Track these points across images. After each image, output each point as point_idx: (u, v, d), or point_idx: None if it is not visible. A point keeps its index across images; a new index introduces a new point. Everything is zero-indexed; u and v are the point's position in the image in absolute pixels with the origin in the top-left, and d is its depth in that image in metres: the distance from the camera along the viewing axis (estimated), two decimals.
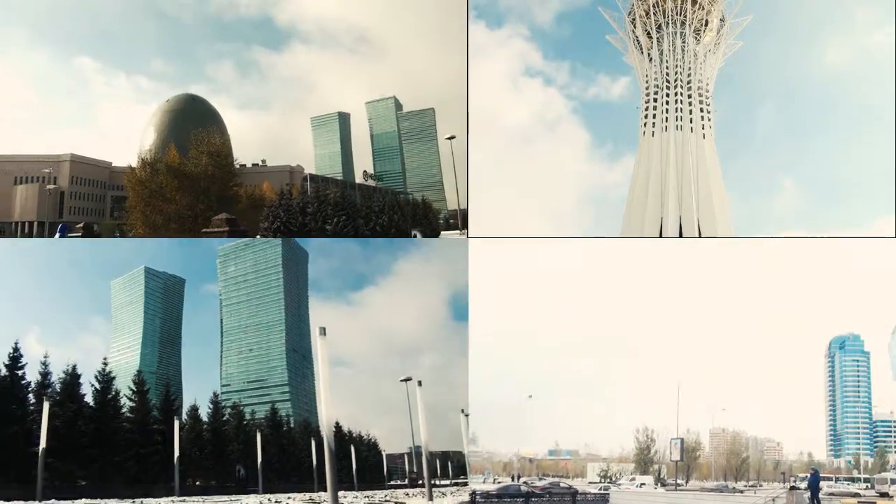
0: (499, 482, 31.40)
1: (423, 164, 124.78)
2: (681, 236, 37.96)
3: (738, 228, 41.32)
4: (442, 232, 60.47)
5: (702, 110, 41.84)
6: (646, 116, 43.06)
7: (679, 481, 42.82)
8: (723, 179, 42.26)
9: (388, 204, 57.24)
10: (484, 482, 31.73)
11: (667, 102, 42.50)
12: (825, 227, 50.04)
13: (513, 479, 33.15)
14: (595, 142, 47.27)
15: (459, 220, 58.98)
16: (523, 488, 27.51)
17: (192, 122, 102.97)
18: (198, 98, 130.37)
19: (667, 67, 41.62)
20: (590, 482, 35.93)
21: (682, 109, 41.91)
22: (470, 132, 31.49)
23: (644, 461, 45.86)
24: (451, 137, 42.64)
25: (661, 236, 38.60)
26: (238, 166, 78.06)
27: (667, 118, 42.28)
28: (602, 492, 29.80)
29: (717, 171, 41.64)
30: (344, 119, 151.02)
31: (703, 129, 41.67)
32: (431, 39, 69.18)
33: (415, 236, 38.93)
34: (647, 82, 42.05)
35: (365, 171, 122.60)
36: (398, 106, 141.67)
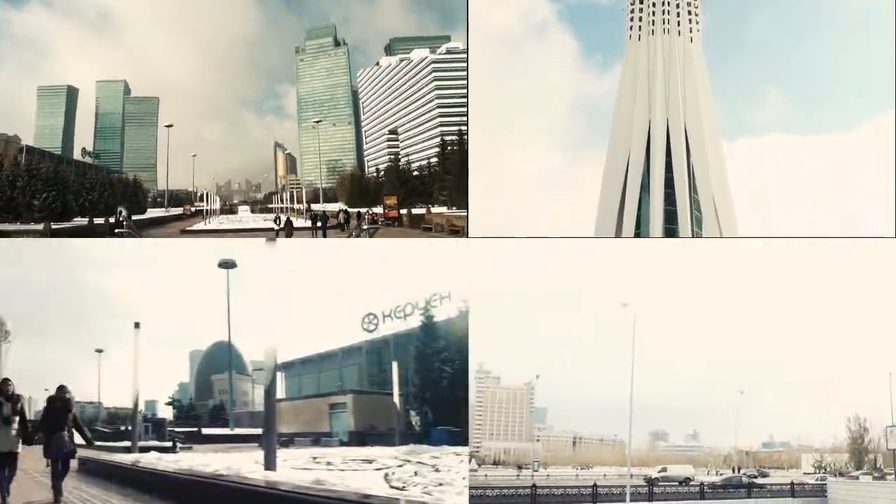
0: (721, 474, 34.25)
1: (142, 147, 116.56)
2: (668, 141, 38.58)
3: (724, 132, 40.77)
4: (149, 209, 61.26)
5: (689, 13, 41.06)
6: (631, 19, 42.05)
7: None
8: (709, 83, 41.44)
9: (101, 181, 56.34)
10: (707, 474, 34.59)
11: (653, 4, 41.91)
12: (813, 130, 47.99)
13: (733, 470, 35.74)
14: (584, 52, 46.28)
15: (166, 199, 61.96)
16: (744, 479, 30.14)
17: None
18: None
19: None
20: (804, 473, 37.60)
21: (668, 12, 41.28)
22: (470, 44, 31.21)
23: (858, 451, 46.06)
24: (169, 126, 47.93)
25: (649, 143, 38.89)
26: None
27: (653, 21, 41.56)
28: (819, 482, 31.52)
29: (704, 74, 40.90)
30: (72, 93, 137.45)
31: (690, 32, 40.97)
32: (171, 28, 68.15)
33: (120, 213, 41.02)
34: None
35: (84, 149, 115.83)
36: (127, 90, 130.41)
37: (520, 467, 35.97)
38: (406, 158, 66.65)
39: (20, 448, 11.99)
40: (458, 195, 54.36)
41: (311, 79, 78.71)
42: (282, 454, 14.18)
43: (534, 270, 34.15)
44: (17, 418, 11.79)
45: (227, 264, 38.50)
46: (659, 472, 29.49)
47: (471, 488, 18.71)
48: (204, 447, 25.99)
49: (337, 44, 78.34)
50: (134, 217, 43.58)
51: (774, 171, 48.61)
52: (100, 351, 48.51)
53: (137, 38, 69.50)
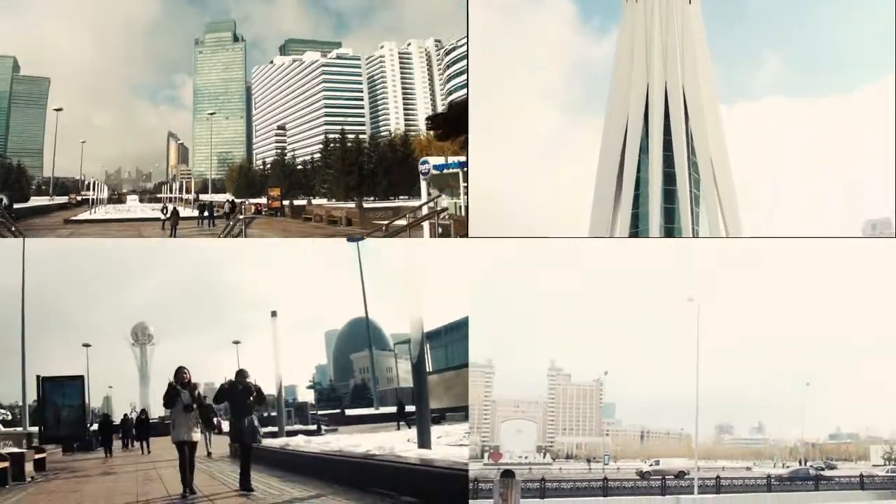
0: (787, 466, 34.79)
1: (28, 130, 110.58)
2: (666, 104, 38.17)
3: (722, 96, 40.04)
4: (33, 197, 58.20)
5: None
6: None
7: None
8: (708, 47, 40.65)
9: None
10: (774, 466, 35.23)
11: None
12: (812, 93, 46.79)
13: (800, 463, 36.16)
14: (582, 16, 45.14)
15: (51, 187, 60.85)
16: (811, 472, 29.98)
17: None
18: None
19: None
20: (874, 465, 37.57)
21: None
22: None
23: None
24: (59, 109, 48.54)
25: (647, 106, 38.43)
26: None
27: None
28: (889, 474, 30.39)
29: (702, 37, 39.89)
30: None
31: None
32: (68, 7, 64.03)
33: (1, 202, 39.19)
34: None
35: None
36: (16, 66, 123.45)
37: (589, 461, 36.30)
38: (292, 153, 68.73)
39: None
40: (338, 188, 54.67)
41: (208, 71, 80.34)
42: (435, 431, 13.75)
43: (596, 271, 35.16)
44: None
45: (355, 238, 39.36)
46: (650, 465, 29.05)
47: (546, 481, 19.20)
48: (348, 428, 25.92)
49: (235, 39, 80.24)
50: (15, 205, 41.50)
51: (774, 134, 48.21)
52: (237, 342, 50.59)
53: (31, 14, 66.49)
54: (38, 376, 25.55)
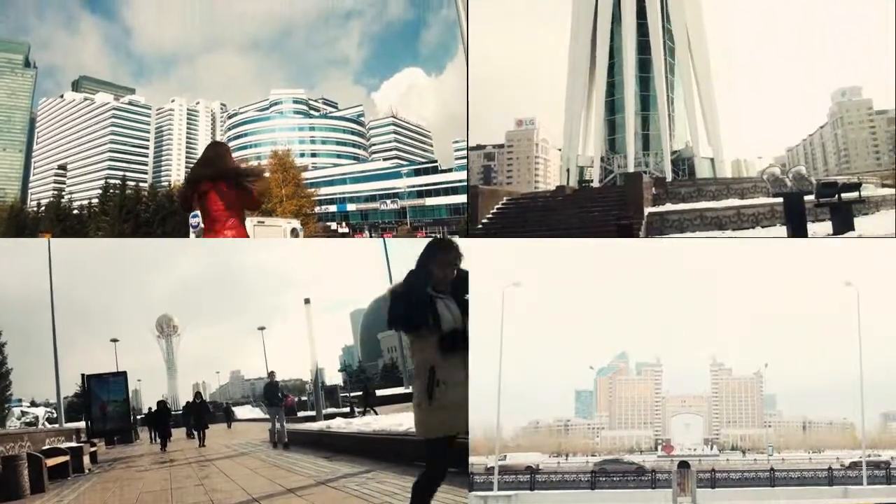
0: None
1: None
2: None
3: None
4: None
5: None
6: None
7: None
8: None
9: None
10: None
11: None
12: None
13: None
14: None
15: None
16: None
17: None
18: None
19: None
20: None
21: None
22: None
23: None
24: None
25: None
26: None
27: None
28: None
29: None
30: None
31: None
32: None
33: None
34: None
35: None
36: None
37: (743, 452, 37.61)
38: (69, 196, 64.77)
39: None
40: (112, 236, 53.35)
41: None
42: None
43: (743, 267, 34.65)
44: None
45: None
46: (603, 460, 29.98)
47: (715, 472, 19.01)
48: (381, 409, 25.03)
49: (27, 64, 72.43)
50: None
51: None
52: (262, 328, 51.38)
53: None
54: (83, 374, 26.57)
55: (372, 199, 64.82)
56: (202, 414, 23.32)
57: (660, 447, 38.63)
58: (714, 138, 39.09)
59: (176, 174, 78.13)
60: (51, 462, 13.35)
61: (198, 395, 25.36)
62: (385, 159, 73.87)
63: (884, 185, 37.53)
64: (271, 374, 18.74)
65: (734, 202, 25.41)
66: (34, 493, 11.85)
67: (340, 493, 9.03)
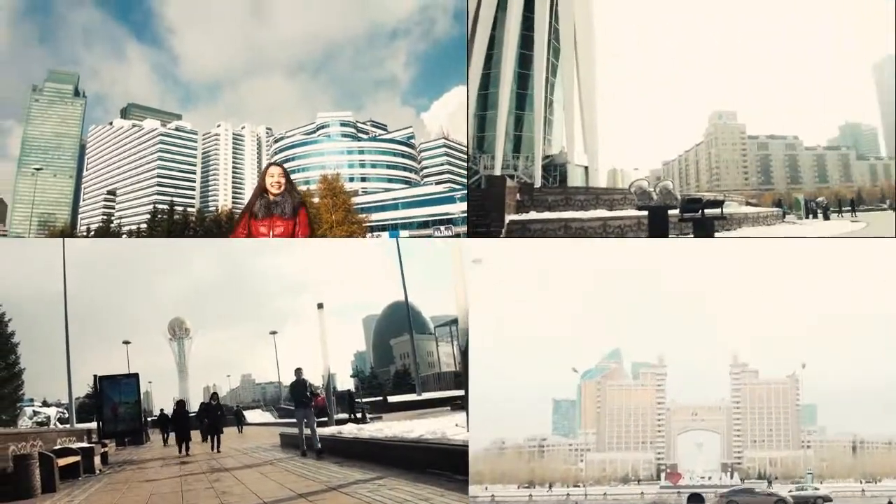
0: None
1: None
2: None
3: None
4: None
5: None
6: None
7: None
8: None
9: None
10: None
11: None
12: None
13: None
14: None
15: None
16: None
17: None
18: None
19: None
20: None
21: None
22: None
23: None
24: None
25: None
26: None
27: None
28: None
29: None
30: None
31: None
32: None
33: None
34: None
35: None
36: None
37: (769, 481, 29.31)
38: (118, 221, 65.97)
39: None
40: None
41: (41, 122, 73.67)
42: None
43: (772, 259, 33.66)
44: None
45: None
46: None
47: None
48: (393, 416, 25.33)
49: (77, 94, 74.48)
50: None
51: None
52: (274, 333, 51.06)
53: None
54: (95, 375, 26.70)
55: (425, 225, 64.07)
56: (218, 417, 22.06)
57: (663, 475, 31.74)
58: (591, 146, 37.85)
59: (223, 199, 79.08)
60: (62, 462, 13.36)
61: (214, 395, 23.93)
62: (437, 182, 72.63)
63: (748, 204, 38.26)
64: (298, 371, 17.04)
65: (601, 213, 24.90)
66: (45, 493, 11.85)
67: (352, 498, 8.96)
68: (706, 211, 17.40)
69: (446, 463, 10.43)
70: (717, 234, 19.01)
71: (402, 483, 9.77)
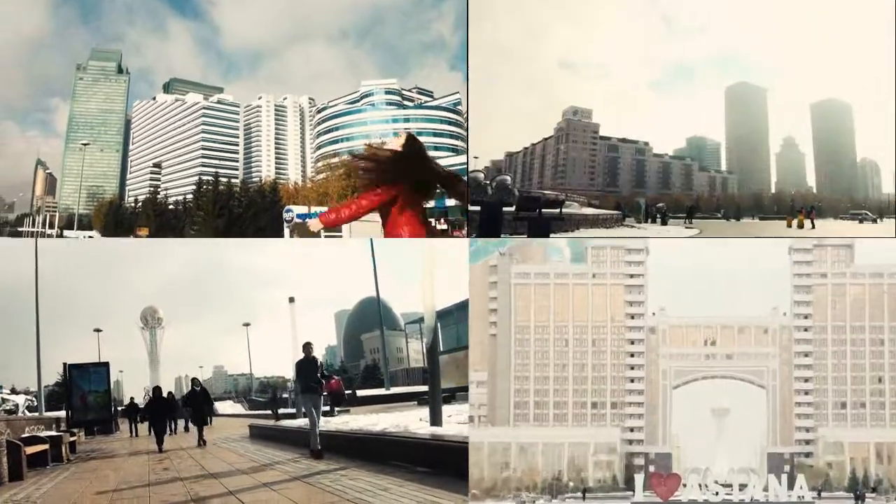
0: None
1: None
2: None
3: None
4: None
5: None
6: None
7: None
8: None
9: None
10: None
11: None
12: None
13: None
14: None
15: None
16: None
17: None
18: None
19: None
20: None
21: None
22: None
23: None
24: None
25: None
26: None
27: None
28: None
29: None
30: None
31: None
32: None
33: None
34: None
35: None
36: None
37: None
38: (164, 192, 66.58)
39: None
40: (207, 230, 54.25)
41: (87, 100, 76.66)
42: (446, 410, 13.85)
43: None
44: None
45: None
46: None
47: None
48: (361, 409, 24.13)
49: (120, 70, 77.17)
50: None
51: None
52: (247, 324, 51.07)
53: None
54: (64, 364, 26.63)
55: None
56: (203, 405, 19.81)
57: (638, 476, 17.45)
58: None
59: (266, 169, 79.01)
60: (30, 450, 13.49)
61: (195, 380, 21.04)
62: None
63: (590, 205, 39.35)
64: (307, 347, 13.72)
65: None
66: (13, 481, 11.98)
67: (313, 488, 9.25)
68: (544, 210, 16.82)
69: (409, 455, 10.64)
70: (552, 235, 18.40)
71: (364, 474, 10.07)
